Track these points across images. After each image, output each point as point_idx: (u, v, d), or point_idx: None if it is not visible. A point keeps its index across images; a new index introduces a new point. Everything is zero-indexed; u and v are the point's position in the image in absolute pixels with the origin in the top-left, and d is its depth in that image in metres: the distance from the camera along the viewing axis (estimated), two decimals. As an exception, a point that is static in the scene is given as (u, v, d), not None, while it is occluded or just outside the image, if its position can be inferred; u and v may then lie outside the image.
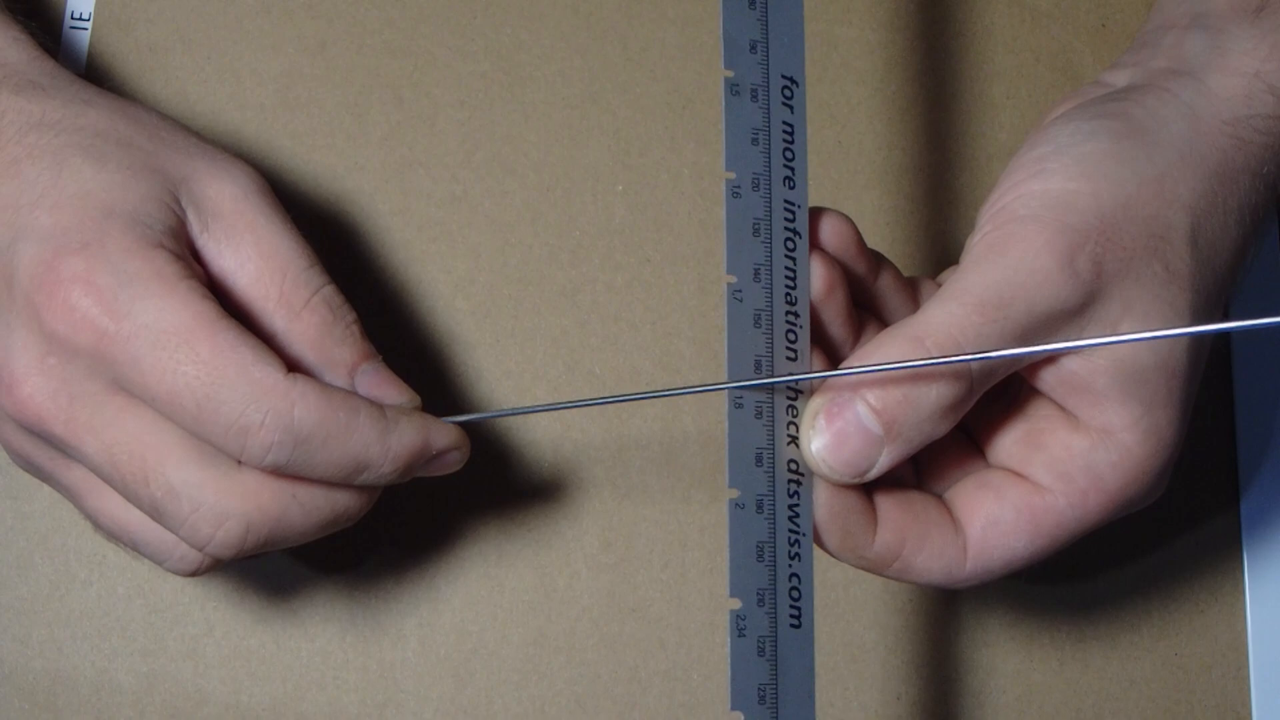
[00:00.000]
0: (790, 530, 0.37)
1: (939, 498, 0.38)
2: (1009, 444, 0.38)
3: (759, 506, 0.36)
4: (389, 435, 0.37)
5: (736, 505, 0.36)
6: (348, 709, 0.47)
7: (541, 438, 0.48)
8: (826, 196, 0.50)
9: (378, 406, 0.38)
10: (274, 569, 0.47)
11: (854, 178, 0.51)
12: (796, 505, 0.37)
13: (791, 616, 0.36)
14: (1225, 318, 0.38)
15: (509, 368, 0.48)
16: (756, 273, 0.37)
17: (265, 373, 0.36)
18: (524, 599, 0.47)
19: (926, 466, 0.39)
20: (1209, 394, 0.51)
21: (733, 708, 0.36)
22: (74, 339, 0.35)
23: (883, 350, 0.36)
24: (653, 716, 0.47)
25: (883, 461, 0.36)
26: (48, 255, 0.36)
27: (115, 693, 0.46)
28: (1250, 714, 0.49)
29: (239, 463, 0.37)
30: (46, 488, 0.46)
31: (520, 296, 0.49)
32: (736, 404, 0.36)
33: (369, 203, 0.49)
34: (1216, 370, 0.51)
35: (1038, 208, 0.36)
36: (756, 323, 0.37)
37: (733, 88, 0.38)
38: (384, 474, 0.37)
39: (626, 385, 0.49)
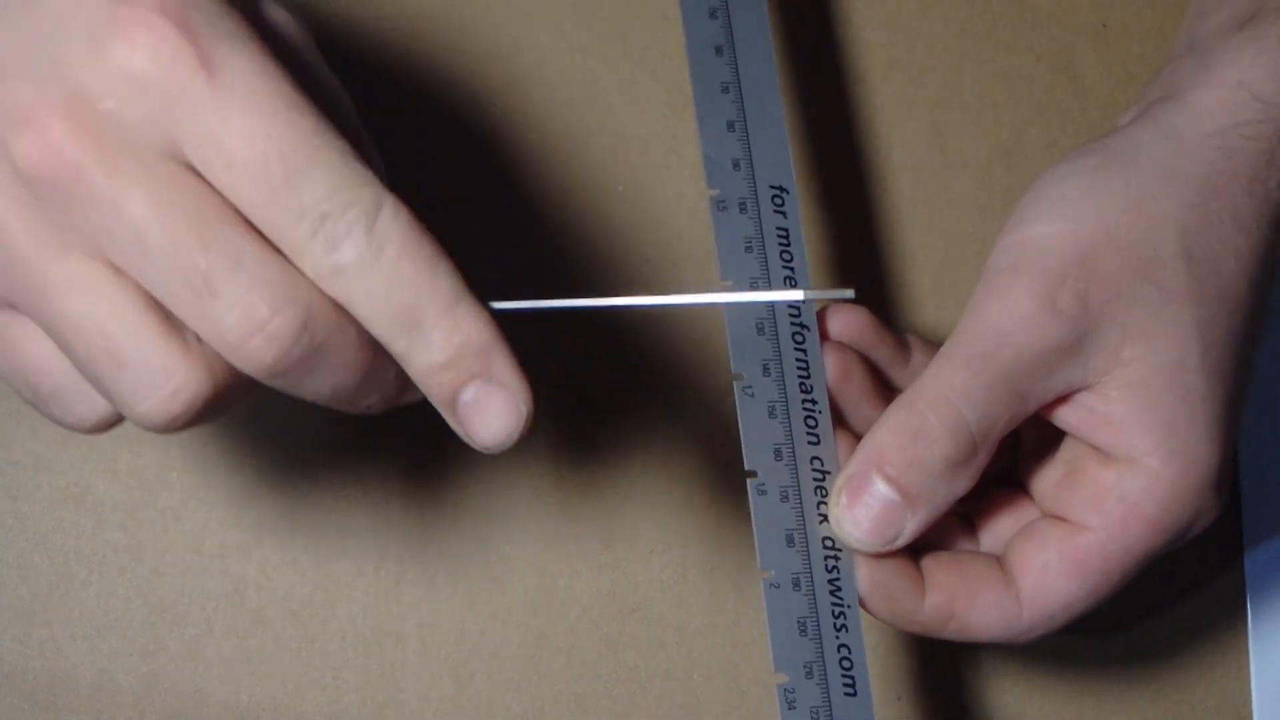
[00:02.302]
0: (834, 604, 0.38)
1: (994, 557, 0.39)
2: (1051, 490, 0.39)
3: (795, 584, 0.38)
4: (459, 303, 0.32)
5: (772, 585, 0.37)
6: (348, 709, 0.47)
7: (542, 437, 0.48)
8: (828, 196, 0.50)
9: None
10: (274, 571, 0.47)
11: (855, 178, 0.51)
12: (838, 579, 0.38)
13: (845, 685, 0.37)
14: (1262, 335, 0.38)
15: (509, 368, 0.48)
16: (765, 368, 0.38)
17: (362, 166, 0.31)
18: (524, 599, 0.47)
19: (983, 527, 0.40)
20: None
21: None
22: (151, 77, 0.30)
23: (886, 424, 0.37)
24: (653, 716, 0.47)
25: (910, 527, 0.37)
26: None
27: (115, 693, 0.46)
28: (1250, 714, 0.49)
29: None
30: (46, 488, 0.46)
31: (520, 296, 0.49)
32: (760, 490, 0.38)
33: (369, 203, 0.49)
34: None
35: (1016, 257, 0.37)
36: (771, 414, 0.38)
37: (719, 204, 0.40)
38: (430, 351, 0.32)
39: (627, 386, 0.49)
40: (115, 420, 0.33)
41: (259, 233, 0.31)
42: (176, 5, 0.30)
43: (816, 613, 0.38)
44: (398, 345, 0.32)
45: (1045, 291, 0.36)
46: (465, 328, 0.32)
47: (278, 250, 0.31)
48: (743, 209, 0.40)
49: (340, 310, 0.31)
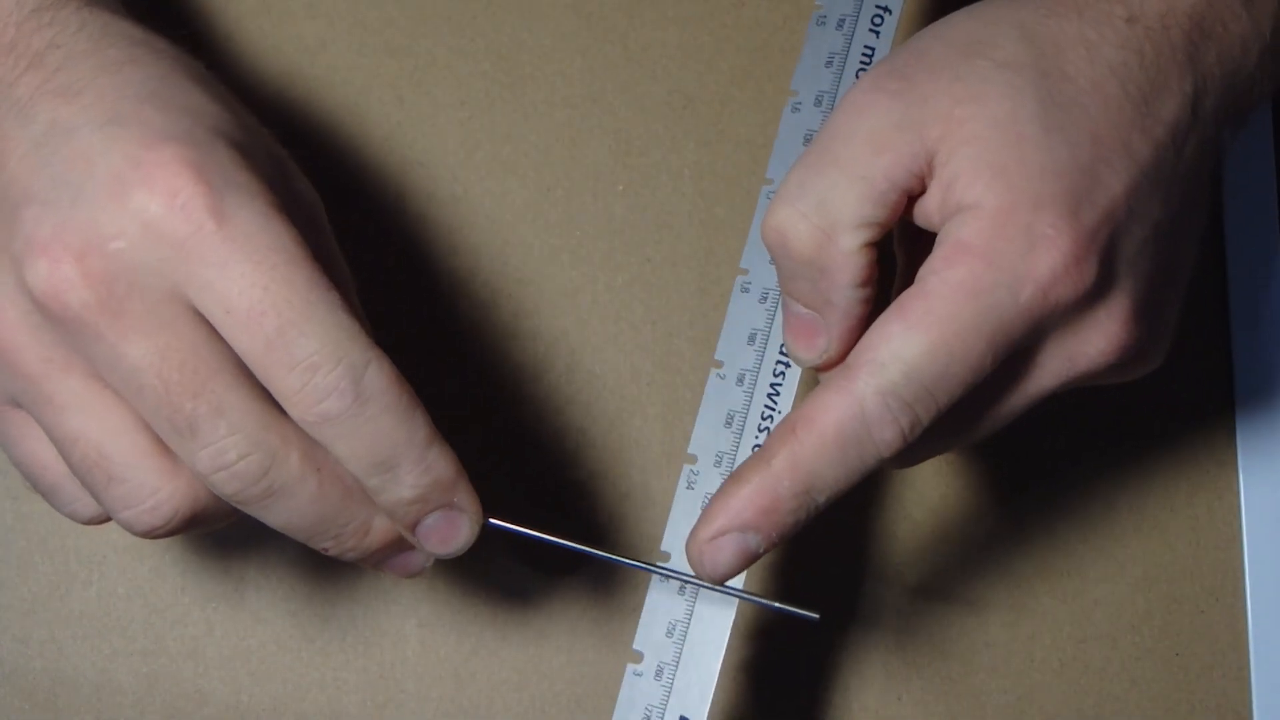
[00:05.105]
0: (767, 406, 0.40)
1: None
2: None
3: (740, 380, 0.40)
4: (431, 447, 0.35)
5: (718, 375, 0.40)
6: (348, 709, 0.47)
7: (543, 437, 0.48)
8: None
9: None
10: (274, 571, 0.47)
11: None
12: (779, 385, 0.40)
13: None
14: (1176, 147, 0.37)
15: (509, 368, 0.48)
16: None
17: (354, 322, 0.33)
18: (524, 599, 0.47)
19: None
20: (1205, 379, 0.51)
21: (664, 548, 0.40)
22: (164, 222, 0.32)
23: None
24: (653, 716, 0.47)
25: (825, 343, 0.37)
26: (153, 140, 0.33)
27: (115, 693, 0.46)
28: (1250, 714, 0.49)
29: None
30: (46, 488, 0.47)
31: (520, 296, 0.49)
32: (744, 289, 0.40)
33: (369, 203, 0.49)
34: (1218, 370, 0.51)
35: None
36: (763, 300, 0.40)
37: (819, 19, 0.41)
38: (401, 489, 0.34)
39: (627, 385, 0.49)
40: (107, 518, 0.36)
41: (248, 376, 0.33)
42: (196, 156, 0.33)
43: (748, 410, 0.39)
44: (371, 483, 0.34)
45: (872, 81, 0.36)
46: (435, 469, 0.35)
47: (263, 395, 0.33)
48: (840, 25, 0.40)
49: (306, 462, 0.34)
